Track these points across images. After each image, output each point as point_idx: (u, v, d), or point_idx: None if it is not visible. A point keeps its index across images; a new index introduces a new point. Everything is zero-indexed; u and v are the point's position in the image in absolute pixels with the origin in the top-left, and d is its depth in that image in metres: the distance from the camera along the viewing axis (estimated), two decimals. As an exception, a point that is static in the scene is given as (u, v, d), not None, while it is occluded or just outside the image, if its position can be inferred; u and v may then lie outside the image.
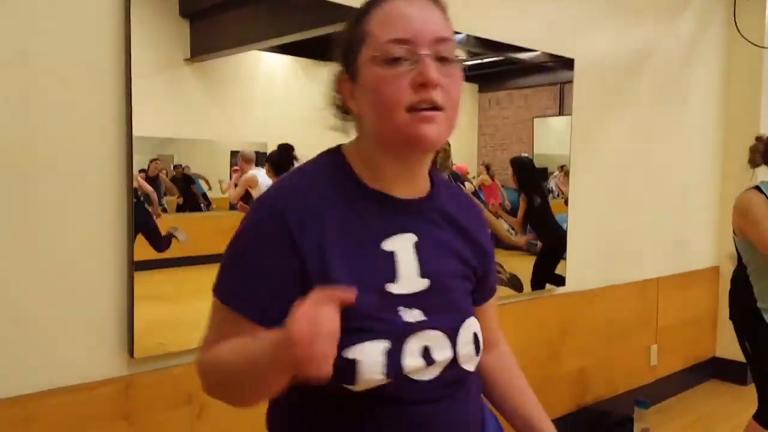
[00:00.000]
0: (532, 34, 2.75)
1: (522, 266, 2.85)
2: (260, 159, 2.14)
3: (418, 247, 0.90)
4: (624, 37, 3.24)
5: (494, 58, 2.69)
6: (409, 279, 0.88)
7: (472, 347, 0.92)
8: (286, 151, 2.15)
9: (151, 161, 1.84)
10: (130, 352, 1.69)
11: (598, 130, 3.12)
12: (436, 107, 0.83)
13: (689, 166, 3.77)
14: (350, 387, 0.83)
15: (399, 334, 0.85)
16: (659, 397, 3.58)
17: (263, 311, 0.84)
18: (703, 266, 3.94)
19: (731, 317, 2.54)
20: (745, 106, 3.87)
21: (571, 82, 2.92)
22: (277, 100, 2.16)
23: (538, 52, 2.79)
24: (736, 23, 3.83)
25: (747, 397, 3.09)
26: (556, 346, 2.98)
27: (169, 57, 1.79)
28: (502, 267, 2.77)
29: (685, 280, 3.76)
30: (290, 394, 0.84)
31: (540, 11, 2.80)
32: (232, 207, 2.19)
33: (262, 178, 2.18)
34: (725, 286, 3.96)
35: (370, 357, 0.82)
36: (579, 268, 3.04)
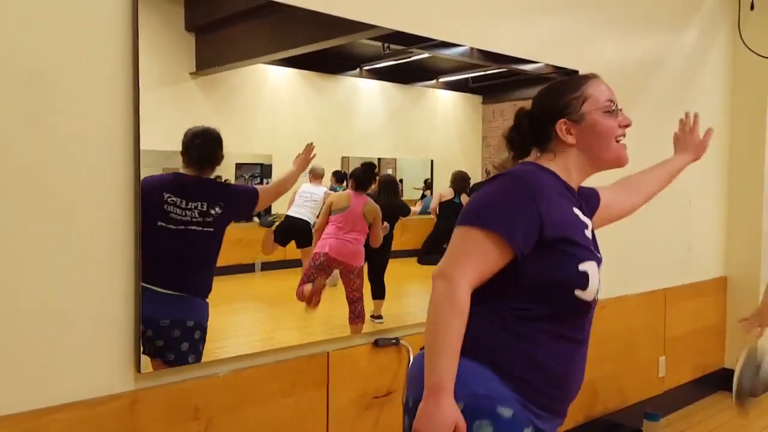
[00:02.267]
0: (537, 47, 2.76)
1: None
2: (265, 170, 2.15)
3: (583, 214, 1.39)
4: (629, 49, 3.25)
5: (498, 70, 2.70)
6: (584, 223, 1.37)
7: (599, 278, 1.36)
8: (370, 169, 2.44)
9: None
10: (137, 367, 1.69)
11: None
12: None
13: (695, 176, 3.76)
14: (581, 294, 1.29)
15: (595, 260, 1.33)
16: (668, 409, 3.54)
17: (513, 233, 1.24)
18: (711, 277, 3.91)
19: None
20: (750, 116, 3.86)
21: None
22: (282, 112, 2.17)
23: (541, 64, 2.79)
24: (740, 33, 3.84)
25: (756, 410, 3.05)
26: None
27: (175, 71, 1.80)
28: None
29: (693, 290, 3.73)
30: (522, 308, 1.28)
31: (545, 24, 2.81)
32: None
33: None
34: (733, 296, 3.97)
35: (594, 272, 1.31)
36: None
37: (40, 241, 1.53)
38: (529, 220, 1.25)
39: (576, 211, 1.36)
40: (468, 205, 1.32)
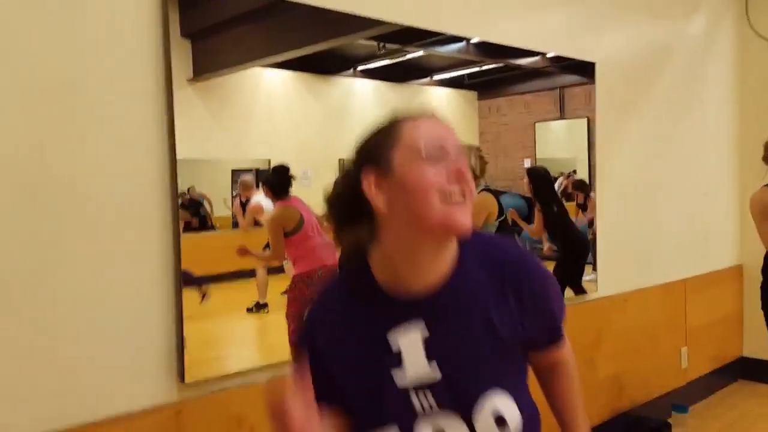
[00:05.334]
0: (546, 37, 2.72)
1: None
2: (261, 176, 2.16)
3: (428, 341, 0.97)
4: (638, 37, 3.21)
5: (493, 65, 2.71)
6: (415, 363, 0.97)
7: (493, 426, 0.96)
8: (282, 173, 2.13)
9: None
10: (181, 377, 1.68)
11: (620, 133, 3.07)
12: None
13: (709, 164, 3.74)
14: None
15: (409, 421, 0.96)
16: (691, 399, 3.51)
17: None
18: (727, 265, 3.87)
19: (762, 307, 2.50)
20: (759, 103, 3.84)
21: (571, 86, 2.92)
22: (278, 115, 2.18)
23: (537, 57, 2.80)
24: (748, 19, 3.82)
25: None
26: (590, 352, 2.93)
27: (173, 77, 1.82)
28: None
29: (710, 280, 3.71)
30: None
31: (552, 14, 2.77)
32: (235, 225, 2.21)
33: (266, 204, 2.17)
34: (749, 284, 3.90)
35: None
36: (609, 273, 3.00)
37: (78, 253, 1.52)
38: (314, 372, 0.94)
39: (394, 339, 0.97)
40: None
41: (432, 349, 0.97)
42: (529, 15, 2.68)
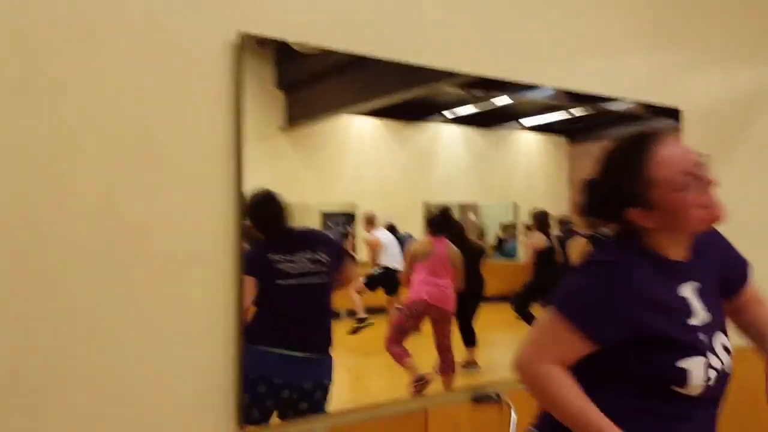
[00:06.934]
0: (632, 85, 2.67)
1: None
2: (348, 219, 2.22)
3: (700, 291, 1.29)
4: (728, 84, 3.07)
5: (585, 113, 2.65)
6: (701, 312, 1.27)
7: (728, 356, 1.29)
8: (448, 214, 2.44)
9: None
10: (239, 423, 1.73)
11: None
12: None
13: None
14: (679, 389, 1.22)
15: (707, 352, 1.24)
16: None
17: (599, 333, 1.23)
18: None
19: None
20: None
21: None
22: (366, 161, 2.24)
23: (629, 103, 2.71)
24: None
25: None
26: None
27: (265, 127, 1.90)
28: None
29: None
30: (624, 396, 1.25)
31: (638, 61, 2.72)
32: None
33: (385, 239, 2.35)
34: None
35: (697, 368, 1.22)
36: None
37: (145, 296, 1.62)
38: (616, 322, 1.21)
39: (682, 292, 1.27)
40: (561, 288, 1.30)
41: (702, 298, 1.28)
42: (612, 62, 2.64)
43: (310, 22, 1.88)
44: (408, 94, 2.23)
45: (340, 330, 2.18)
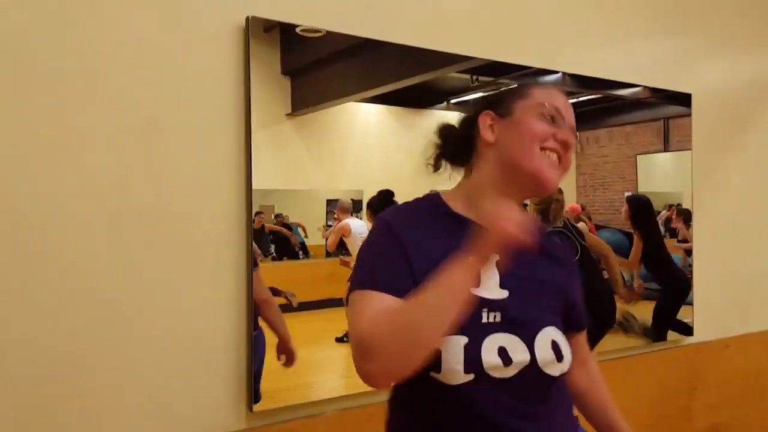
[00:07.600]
0: (641, 70, 2.65)
1: (645, 313, 2.69)
2: (356, 207, 2.21)
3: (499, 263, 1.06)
4: (740, 69, 3.05)
5: (592, 96, 2.62)
6: (491, 286, 1.05)
7: (550, 352, 1.05)
8: (385, 197, 2.24)
9: (255, 214, 1.93)
10: (249, 405, 1.73)
11: (720, 167, 2.91)
12: None
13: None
14: (437, 375, 0.99)
15: (477, 332, 1.01)
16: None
17: (399, 286, 1.01)
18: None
19: None
20: None
21: (676, 117, 2.77)
22: (372, 148, 2.22)
23: (639, 88, 2.68)
24: None
25: None
26: (685, 401, 2.74)
27: (271, 113, 1.89)
28: (634, 317, 2.64)
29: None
30: (404, 395, 1.09)
31: (647, 47, 2.70)
32: (329, 254, 2.27)
33: (355, 226, 2.24)
34: None
35: (452, 348, 0.98)
36: (707, 316, 2.81)
37: (155, 279, 1.62)
38: (400, 262, 1.03)
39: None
40: (354, 267, 1.11)
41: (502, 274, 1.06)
42: (621, 46, 2.62)
43: (316, 4, 1.86)
44: (412, 80, 2.20)
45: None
